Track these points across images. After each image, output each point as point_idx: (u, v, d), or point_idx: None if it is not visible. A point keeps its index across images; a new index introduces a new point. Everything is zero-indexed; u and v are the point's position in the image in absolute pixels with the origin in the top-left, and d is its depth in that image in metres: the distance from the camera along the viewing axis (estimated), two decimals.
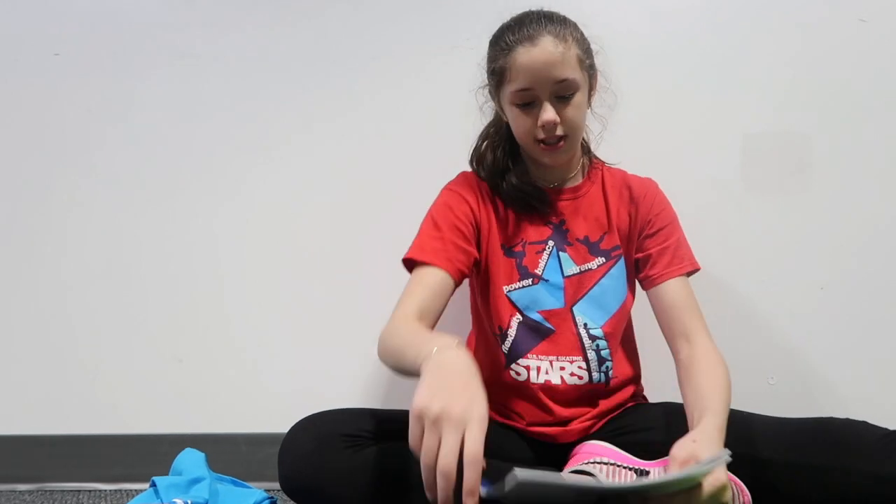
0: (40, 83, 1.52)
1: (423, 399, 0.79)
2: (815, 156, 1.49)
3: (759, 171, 1.49)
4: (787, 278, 1.49)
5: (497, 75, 1.15)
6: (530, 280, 1.20)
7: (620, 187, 1.25)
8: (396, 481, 0.99)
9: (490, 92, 1.23)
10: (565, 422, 1.18)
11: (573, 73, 1.12)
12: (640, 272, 1.23)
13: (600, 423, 1.20)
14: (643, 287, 1.23)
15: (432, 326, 1.11)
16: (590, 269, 1.21)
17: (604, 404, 1.20)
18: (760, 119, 1.49)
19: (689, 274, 1.21)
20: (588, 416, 1.19)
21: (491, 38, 1.19)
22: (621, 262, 1.23)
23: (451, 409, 0.78)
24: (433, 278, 1.12)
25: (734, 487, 0.99)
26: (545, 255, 1.21)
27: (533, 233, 1.22)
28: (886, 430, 1.03)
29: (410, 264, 1.16)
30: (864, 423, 1.04)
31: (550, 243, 1.22)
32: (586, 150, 1.29)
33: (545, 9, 1.16)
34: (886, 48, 1.48)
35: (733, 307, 1.49)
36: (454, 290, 1.16)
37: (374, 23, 1.51)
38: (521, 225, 1.22)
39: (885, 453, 0.99)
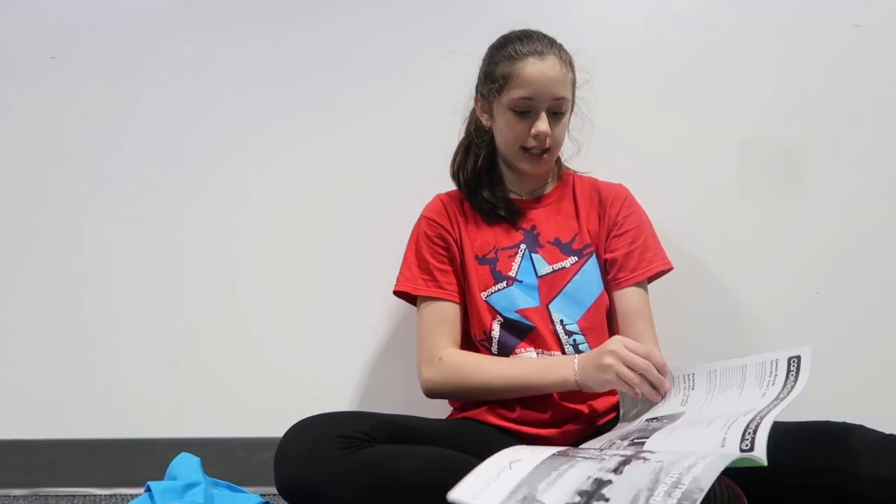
0: (36, 87, 1.51)
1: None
2: (811, 160, 1.49)
3: (755, 175, 1.49)
4: (782, 282, 1.49)
5: (499, 81, 1.21)
6: (504, 283, 1.25)
7: (590, 192, 1.32)
8: (393, 482, 0.99)
9: (482, 95, 1.28)
10: (560, 422, 1.19)
11: (568, 94, 1.23)
12: (607, 274, 1.27)
13: (601, 422, 1.21)
14: (607, 289, 1.27)
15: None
16: (563, 268, 1.26)
17: (595, 403, 1.21)
18: (755, 123, 1.49)
19: (660, 274, 1.28)
20: (582, 418, 1.20)
21: (492, 45, 1.26)
22: (593, 259, 1.27)
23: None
24: (445, 311, 1.25)
25: (732, 492, 0.99)
26: (518, 258, 1.26)
27: (504, 239, 1.28)
28: (883, 433, 1.03)
29: (405, 295, 1.29)
30: (861, 427, 1.05)
31: (522, 247, 1.27)
32: (558, 162, 1.34)
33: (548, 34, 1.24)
34: (881, 53, 1.48)
35: (729, 311, 1.49)
36: (463, 310, 1.27)
37: (372, 26, 1.51)
38: (492, 233, 1.29)
39: (882, 457, 0.99)
